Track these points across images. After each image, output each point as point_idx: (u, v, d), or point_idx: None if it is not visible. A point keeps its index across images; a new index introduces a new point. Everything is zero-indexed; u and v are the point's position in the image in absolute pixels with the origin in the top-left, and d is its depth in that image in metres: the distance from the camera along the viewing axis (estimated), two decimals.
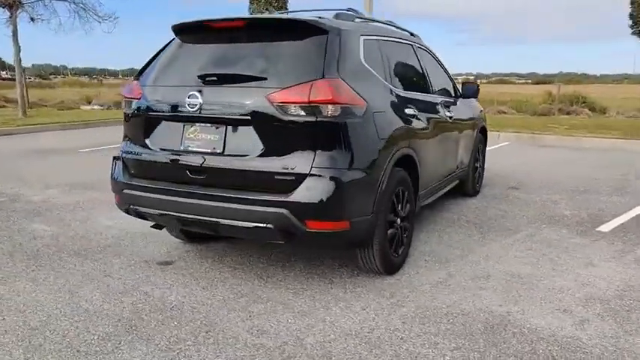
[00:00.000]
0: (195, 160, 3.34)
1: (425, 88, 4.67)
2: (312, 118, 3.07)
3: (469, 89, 5.48)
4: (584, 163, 8.96)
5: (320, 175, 3.06)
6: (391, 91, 3.81)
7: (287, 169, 3.09)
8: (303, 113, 3.07)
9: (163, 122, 3.51)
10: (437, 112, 4.68)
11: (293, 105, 3.07)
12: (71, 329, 3.00)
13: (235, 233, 3.43)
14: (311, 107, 3.05)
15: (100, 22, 15.54)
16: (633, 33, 11.06)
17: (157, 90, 3.55)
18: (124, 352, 2.74)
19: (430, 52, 5.21)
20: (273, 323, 3.06)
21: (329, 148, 3.10)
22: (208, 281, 3.68)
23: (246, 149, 3.21)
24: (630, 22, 11.02)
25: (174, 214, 3.41)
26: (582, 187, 6.92)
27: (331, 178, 3.07)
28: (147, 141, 3.57)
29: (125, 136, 3.79)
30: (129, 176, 3.66)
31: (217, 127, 3.30)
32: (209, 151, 3.31)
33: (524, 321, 3.09)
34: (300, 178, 3.07)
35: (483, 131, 6.45)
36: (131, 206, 3.62)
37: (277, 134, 3.13)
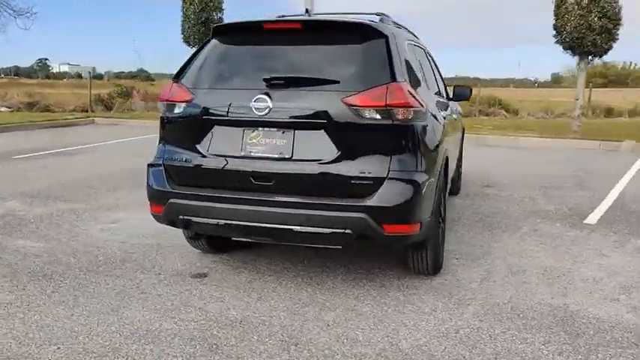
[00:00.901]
0: (260, 166, 3.21)
1: (439, 89, 4.82)
2: (388, 122, 3.07)
3: (463, 92, 5.71)
4: (531, 162, 9.65)
5: (398, 179, 3.07)
6: (430, 93, 3.91)
7: (364, 173, 3.07)
8: (378, 117, 3.07)
9: (217, 127, 3.33)
10: (450, 113, 4.85)
11: (369, 108, 3.05)
12: (147, 353, 2.77)
13: (307, 240, 3.33)
14: (387, 111, 3.05)
15: (15, 17, 14.22)
16: (557, 42, 12.06)
17: (213, 93, 3.36)
18: None
19: (431, 54, 5.38)
20: (358, 331, 3.02)
21: (403, 151, 3.12)
22: (259, 292, 3.55)
23: (318, 154, 3.13)
24: (554, 32, 12.01)
25: (240, 223, 3.25)
26: (547, 183, 7.45)
27: (408, 182, 3.09)
28: (199, 147, 3.36)
29: (166, 142, 3.55)
30: (175, 185, 3.43)
31: (284, 132, 3.19)
32: (276, 156, 3.20)
33: (584, 312, 3.29)
34: (378, 182, 3.06)
35: (463, 131, 6.77)
36: (181, 217, 3.39)
37: (353, 138, 3.10)
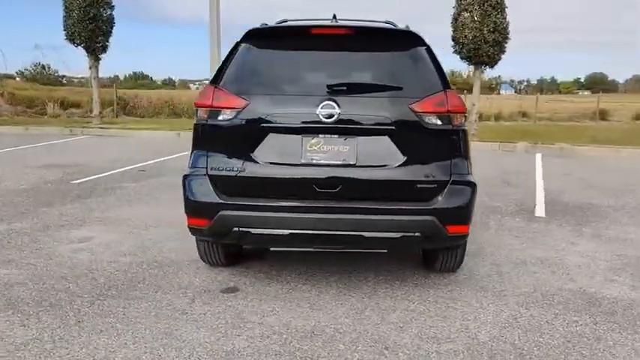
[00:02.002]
0: (324, 173, 3.20)
1: None
2: (448, 127, 3.26)
3: None
4: None
5: (459, 182, 3.27)
6: None
7: (429, 177, 3.22)
8: (439, 122, 3.24)
9: (273, 134, 3.24)
10: None
11: (433, 114, 3.21)
12: None
13: (374, 245, 3.37)
14: (447, 116, 3.24)
15: None
16: (454, 52, 13.23)
17: (268, 99, 3.26)
18: None
19: None
20: (431, 329, 3.15)
21: (459, 154, 3.33)
22: (306, 302, 3.51)
23: (383, 159, 3.21)
24: (452, 43, 13.16)
25: (306, 232, 3.19)
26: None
27: (467, 184, 3.30)
28: (253, 155, 3.25)
29: (209, 150, 3.35)
30: (226, 195, 3.26)
31: (346, 138, 3.22)
32: (339, 163, 3.21)
33: (603, 293, 3.75)
34: (442, 185, 3.23)
35: None
36: (235, 229, 3.23)
37: (417, 143, 3.23)
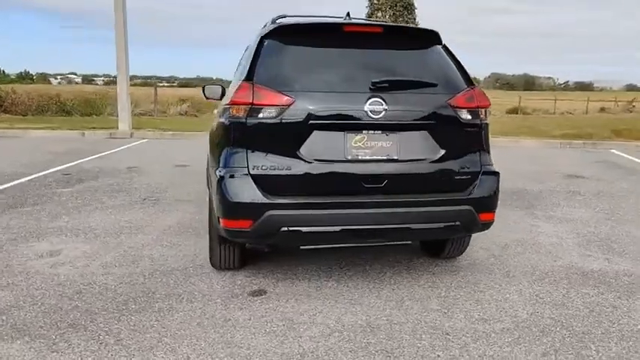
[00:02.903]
0: (369, 169, 3.26)
1: None
2: (477, 121, 3.48)
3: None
4: None
5: (487, 172, 3.51)
6: None
7: (464, 168, 3.42)
8: (470, 117, 3.45)
9: (316, 131, 3.23)
10: None
11: (465, 109, 3.41)
12: None
13: (419, 236, 3.48)
14: (477, 111, 3.46)
15: None
16: None
17: (315, 96, 3.22)
18: None
19: None
20: (480, 312, 3.36)
21: (485, 147, 3.57)
22: (346, 297, 3.55)
23: (423, 153, 3.35)
24: None
25: (357, 227, 3.23)
26: None
27: (493, 173, 3.55)
28: (299, 153, 3.21)
29: (249, 149, 3.24)
30: (272, 195, 3.19)
31: (388, 134, 3.30)
32: (384, 158, 3.29)
33: (588, 267, 4.23)
34: (475, 175, 3.45)
35: None
36: (284, 228, 3.17)
37: (453, 137, 3.41)
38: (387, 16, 13.14)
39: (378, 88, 3.27)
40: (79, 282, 3.75)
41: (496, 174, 3.55)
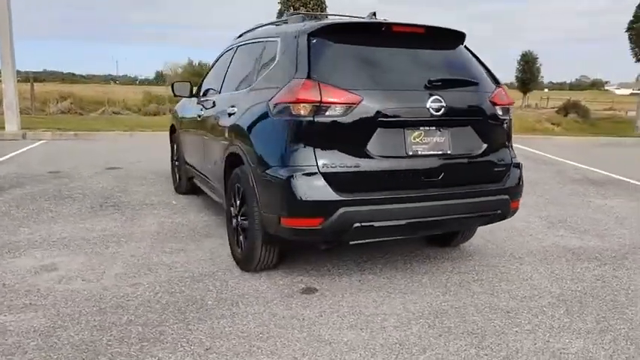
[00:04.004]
0: (429, 164, 3.47)
1: None
2: (506, 117, 3.86)
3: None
4: None
5: (515, 163, 3.90)
6: None
7: (501, 161, 3.78)
8: (501, 113, 3.81)
9: (380, 128, 3.36)
10: None
11: (501, 106, 3.77)
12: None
13: (468, 225, 3.75)
14: (507, 108, 3.84)
15: None
16: None
17: (380, 94, 3.34)
18: None
19: None
20: (517, 291, 3.73)
21: (510, 140, 3.96)
22: (396, 288, 3.72)
23: (469, 148, 3.63)
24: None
25: (421, 220, 3.42)
26: None
27: (519, 165, 3.95)
28: (366, 150, 3.32)
29: (317, 147, 3.27)
30: (343, 192, 3.26)
31: (441, 130, 3.54)
32: (439, 153, 3.52)
33: (570, 245, 4.84)
34: (508, 167, 3.82)
35: None
36: (357, 224, 3.26)
37: (491, 132, 3.74)
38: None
39: (433, 86, 3.48)
40: (109, 296, 3.50)
41: (519, 165, 3.95)
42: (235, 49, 4.93)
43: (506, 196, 3.74)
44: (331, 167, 3.25)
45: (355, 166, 3.29)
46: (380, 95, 3.35)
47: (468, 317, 3.28)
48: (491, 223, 3.92)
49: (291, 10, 13.40)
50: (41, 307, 3.31)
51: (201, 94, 5.72)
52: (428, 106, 3.42)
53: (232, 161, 4.07)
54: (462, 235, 4.45)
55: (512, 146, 3.95)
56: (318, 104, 3.22)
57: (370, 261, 4.23)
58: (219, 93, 4.91)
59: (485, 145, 3.69)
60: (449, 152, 3.55)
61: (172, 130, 6.81)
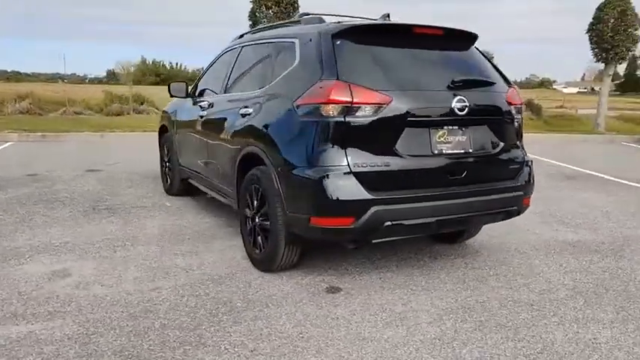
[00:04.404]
0: (453, 162, 3.57)
1: None
2: (518, 116, 4.01)
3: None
4: None
5: (527, 161, 4.05)
6: None
7: (515, 159, 3.92)
8: (514, 112, 3.96)
9: (408, 128, 3.44)
10: None
11: (514, 105, 3.91)
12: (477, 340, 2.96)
13: (487, 221, 3.85)
14: (520, 107, 3.99)
15: None
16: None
17: (408, 94, 3.41)
18: None
19: None
20: (540, 285, 3.88)
21: (521, 138, 4.11)
22: (419, 286, 3.81)
23: (487, 146, 3.76)
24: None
25: (448, 217, 3.52)
26: None
27: (530, 162, 4.10)
28: (395, 149, 3.39)
29: (347, 147, 3.31)
30: (373, 191, 3.32)
31: (463, 129, 3.64)
32: (462, 151, 3.62)
33: (568, 239, 5.04)
34: (521, 164, 3.96)
35: None
36: (388, 223, 3.33)
37: (506, 131, 3.87)
38: (272, 13, 13.34)
39: (456, 87, 3.58)
40: (134, 300, 3.46)
41: (531, 163, 4.10)
42: (239, 49, 4.90)
43: (521, 193, 3.88)
44: (362, 167, 3.30)
45: (385, 165, 3.35)
46: (408, 95, 3.43)
47: (495, 311, 3.39)
48: (508, 219, 4.06)
49: (263, 9, 13.39)
50: (67, 314, 3.24)
51: (197, 94, 5.67)
52: (453, 106, 3.52)
53: (247, 162, 4.07)
54: (471, 232, 4.57)
55: (522, 144, 4.09)
56: (349, 105, 3.27)
57: (384, 259, 4.31)
58: (224, 93, 4.88)
59: (501, 144, 3.82)
60: (470, 151, 3.66)
61: (162, 132, 6.70)
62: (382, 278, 3.91)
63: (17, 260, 4.13)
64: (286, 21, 4.67)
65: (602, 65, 16.14)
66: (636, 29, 14.87)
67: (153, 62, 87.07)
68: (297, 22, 4.30)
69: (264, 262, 3.89)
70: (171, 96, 5.78)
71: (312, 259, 4.19)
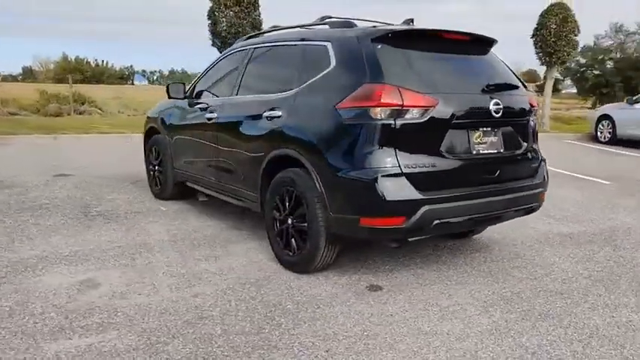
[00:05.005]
0: (490, 162, 3.79)
1: None
2: (534, 118, 4.29)
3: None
4: None
5: (543, 159, 4.34)
6: None
7: (535, 157, 4.20)
8: (533, 113, 4.24)
9: (450, 130, 3.61)
10: None
11: (532, 107, 4.19)
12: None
13: (515, 216, 4.08)
14: (536, 109, 4.27)
15: None
16: (213, 45, 13.75)
17: (450, 97, 3.57)
18: None
19: None
20: (562, 276, 4.17)
21: (537, 138, 4.39)
22: (455, 281, 3.98)
23: (514, 146, 4.00)
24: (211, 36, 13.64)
25: (487, 214, 3.73)
26: None
27: (544, 160, 4.40)
28: (441, 150, 3.55)
29: (398, 149, 3.43)
30: (422, 191, 3.46)
31: (495, 130, 3.86)
32: (496, 151, 3.84)
33: (565, 231, 5.40)
34: (539, 163, 4.24)
35: None
36: (437, 221, 3.48)
37: (527, 131, 4.13)
38: (232, 13, 13.24)
39: (490, 90, 3.79)
40: (182, 308, 3.43)
41: (545, 160, 4.39)
42: (250, 51, 4.89)
43: (541, 190, 4.16)
44: (412, 167, 3.44)
45: (432, 166, 3.50)
46: (451, 98, 3.60)
47: (532, 301, 3.62)
48: (530, 214, 4.32)
49: (223, 8, 13.26)
50: (118, 325, 3.17)
51: (194, 96, 5.61)
52: (490, 108, 3.72)
53: (275, 165, 4.10)
54: (479, 228, 4.82)
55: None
56: (399, 108, 3.39)
57: (407, 256, 4.46)
58: (235, 95, 4.85)
59: (524, 144, 4.08)
60: (502, 151, 3.88)
61: (150, 135, 6.54)
62: (414, 275, 4.06)
63: (31, 272, 3.96)
64: (309, 24, 4.71)
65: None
66: (576, 35, 15.91)
67: (76, 59, 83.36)
68: (324, 24, 4.36)
69: (300, 263, 3.94)
70: (170, 97, 5.67)
71: (338, 260, 4.26)
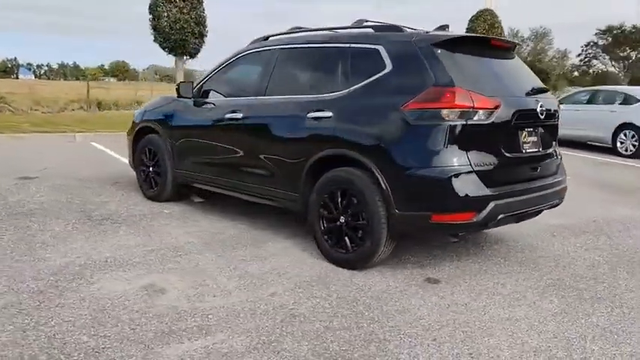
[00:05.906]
0: (535, 159, 4.21)
1: None
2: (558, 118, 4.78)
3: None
4: None
5: (561, 156, 4.84)
6: None
7: (558, 155, 4.68)
8: (559, 114, 4.73)
9: (506, 130, 3.97)
10: None
11: (558, 107, 4.67)
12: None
13: (545, 209, 4.50)
14: (559, 110, 4.77)
15: None
16: (155, 41, 13.40)
17: (508, 100, 3.92)
18: None
19: None
20: (577, 264, 4.68)
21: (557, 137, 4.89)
22: (498, 272, 4.38)
23: (547, 145, 4.45)
24: (153, 32, 13.27)
25: (534, 208, 4.13)
26: None
27: (562, 158, 4.90)
28: (502, 149, 3.89)
29: (468, 148, 3.73)
30: (490, 187, 3.78)
31: (535, 131, 4.28)
32: (537, 150, 4.26)
33: (562, 223, 5.92)
34: (560, 160, 4.74)
35: None
36: (502, 215, 3.82)
37: (554, 130, 4.61)
38: (176, 9, 12.99)
39: (534, 93, 4.21)
40: (268, 308, 3.53)
41: (562, 157, 4.89)
42: (276, 52, 4.94)
43: (565, 185, 4.64)
44: (480, 165, 3.76)
45: (495, 164, 3.86)
46: (507, 101, 3.97)
47: (577, 286, 4.07)
48: (554, 207, 4.79)
49: (165, 3, 12.99)
50: (219, 326, 3.22)
51: (201, 96, 5.58)
52: (538, 110, 4.13)
53: (323, 164, 4.24)
54: None
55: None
56: (469, 109, 3.69)
57: (440, 249, 4.78)
58: (263, 96, 4.90)
59: (553, 143, 4.54)
60: (541, 150, 4.31)
61: (140, 136, 6.36)
62: (459, 267, 4.38)
63: (84, 279, 3.85)
64: (347, 26, 4.83)
65: None
66: None
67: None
68: (362, 27, 4.55)
69: (357, 260, 4.11)
70: (179, 96, 5.60)
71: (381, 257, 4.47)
